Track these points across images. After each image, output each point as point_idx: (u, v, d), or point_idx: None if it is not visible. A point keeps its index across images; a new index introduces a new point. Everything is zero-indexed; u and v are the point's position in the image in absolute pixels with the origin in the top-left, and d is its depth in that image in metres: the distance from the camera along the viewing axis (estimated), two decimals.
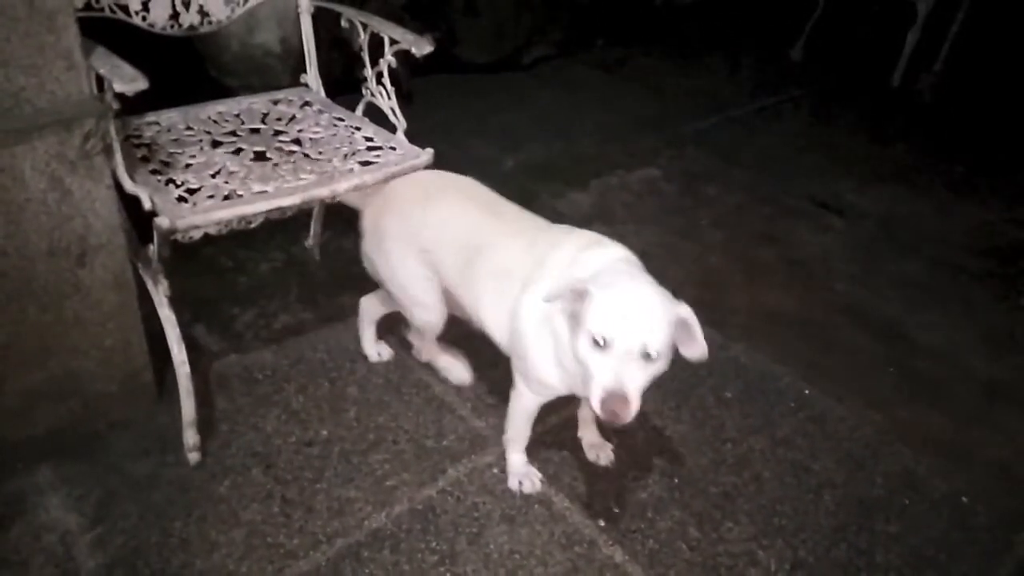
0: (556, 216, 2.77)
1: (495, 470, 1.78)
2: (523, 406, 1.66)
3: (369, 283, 1.90)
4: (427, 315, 1.78)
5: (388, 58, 1.87)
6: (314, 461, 1.76)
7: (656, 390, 2.03)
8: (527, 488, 1.73)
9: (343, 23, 1.94)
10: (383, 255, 1.76)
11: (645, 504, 1.74)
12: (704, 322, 1.35)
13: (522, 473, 1.75)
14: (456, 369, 1.99)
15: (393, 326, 2.05)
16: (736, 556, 1.65)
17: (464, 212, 1.68)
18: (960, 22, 3.88)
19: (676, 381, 2.05)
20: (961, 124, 3.75)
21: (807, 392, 2.08)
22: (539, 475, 1.76)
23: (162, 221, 1.50)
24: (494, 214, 1.67)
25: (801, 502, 1.78)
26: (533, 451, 1.83)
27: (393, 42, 1.84)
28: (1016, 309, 2.51)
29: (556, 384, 1.54)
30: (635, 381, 1.29)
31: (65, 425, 1.72)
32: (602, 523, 1.69)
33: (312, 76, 2.09)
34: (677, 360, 1.38)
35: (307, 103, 2.04)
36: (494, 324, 1.62)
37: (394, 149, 1.86)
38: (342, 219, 2.07)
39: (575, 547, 1.63)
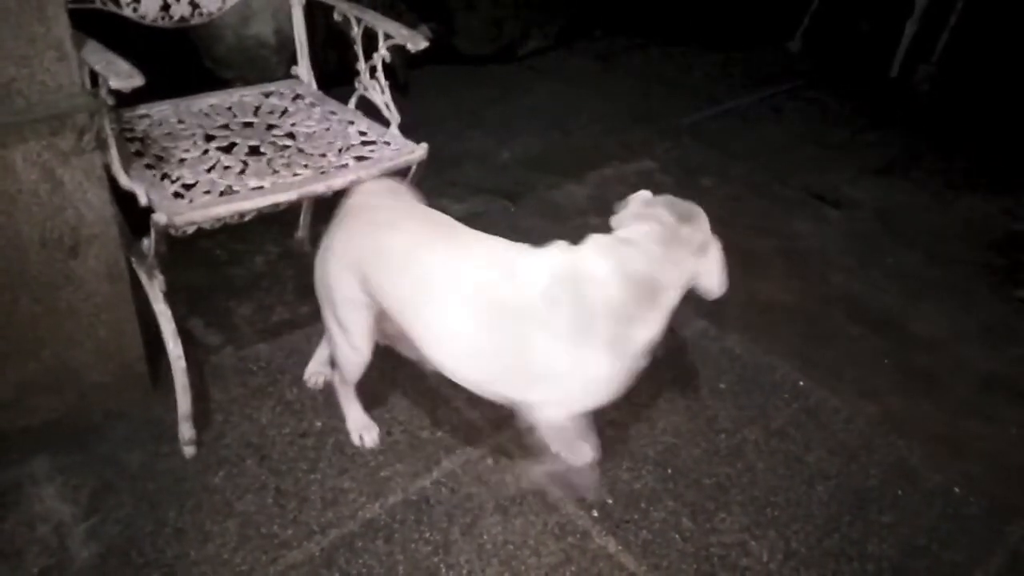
0: (553, 208, 2.82)
1: (489, 461, 1.78)
2: None
3: None
4: (349, 350, 1.63)
5: (382, 52, 1.86)
6: (308, 452, 1.77)
7: (650, 381, 2.05)
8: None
9: (336, 17, 1.93)
10: (323, 269, 1.63)
11: (638, 495, 1.74)
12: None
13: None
14: (363, 428, 1.81)
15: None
16: (729, 547, 1.65)
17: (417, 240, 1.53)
18: (958, 13, 3.87)
19: (670, 372, 2.06)
20: (959, 116, 3.74)
21: (801, 383, 2.08)
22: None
23: (159, 217, 1.49)
24: (449, 238, 1.54)
25: (794, 493, 1.78)
26: (527, 441, 1.83)
27: (388, 37, 1.83)
28: (1012, 301, 2.51)
29: None
30: None
31: (60, 416, 1.73)
32: (595, 514, 1.69)
33: (304, 68, 2.08)
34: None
35: (299, 96, 2.03)
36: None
37: (388, 144, 1.85)
38: (333, 210, 2.06)
39: (568, 537, 1.64)
